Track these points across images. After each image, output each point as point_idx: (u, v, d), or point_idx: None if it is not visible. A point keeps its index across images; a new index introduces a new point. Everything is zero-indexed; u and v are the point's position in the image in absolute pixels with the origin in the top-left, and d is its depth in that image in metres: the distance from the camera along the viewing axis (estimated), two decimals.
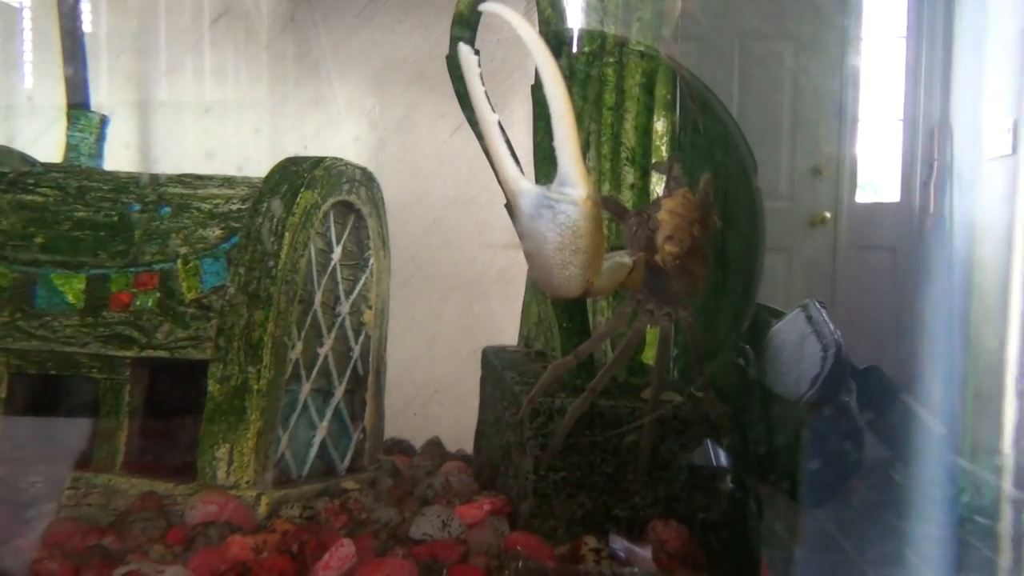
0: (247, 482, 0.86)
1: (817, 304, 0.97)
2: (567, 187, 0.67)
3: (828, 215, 2.00)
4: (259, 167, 2.01)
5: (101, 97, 1.54)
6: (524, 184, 0.70)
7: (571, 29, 1.09)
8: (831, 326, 0.91)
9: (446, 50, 2.07)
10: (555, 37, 1.07)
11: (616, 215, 0.85)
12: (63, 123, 1.19)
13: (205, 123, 1.91)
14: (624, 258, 0.75)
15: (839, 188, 2.02)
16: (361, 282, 1.12)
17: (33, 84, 1.64)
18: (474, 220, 1.91)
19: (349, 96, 1.96)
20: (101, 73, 1.63)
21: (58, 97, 1.44)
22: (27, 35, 1.57)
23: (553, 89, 0.67)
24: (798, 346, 0.97)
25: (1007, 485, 0.60)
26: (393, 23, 1.93)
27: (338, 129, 1.95)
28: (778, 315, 1.06)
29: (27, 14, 1.61)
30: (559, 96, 0.67)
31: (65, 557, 0.69)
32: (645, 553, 0.77)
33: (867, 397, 0.91)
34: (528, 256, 0.69)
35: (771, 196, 2.08)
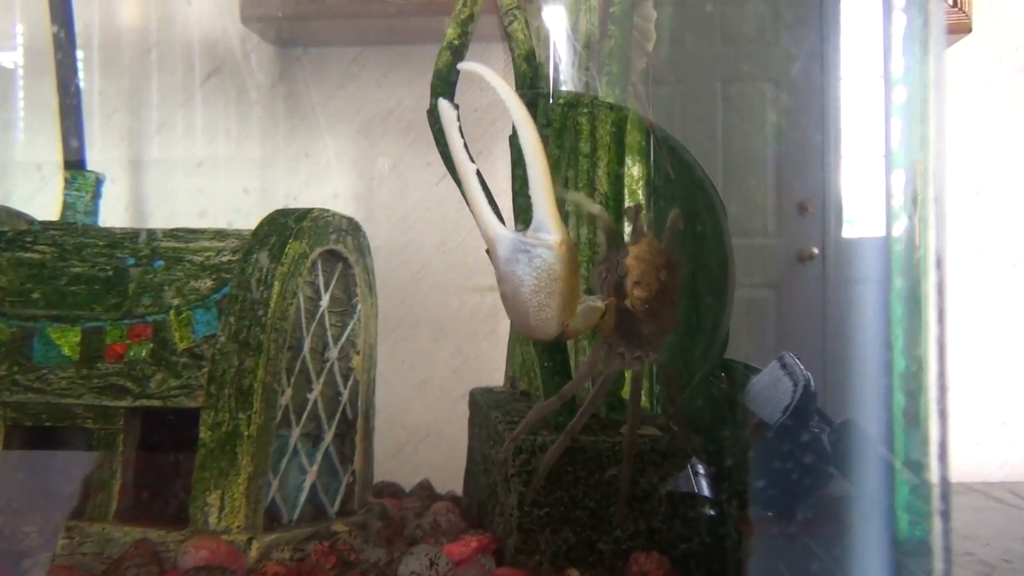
0: (238, 527, 0.88)
1: (791, 355, 1.04)
2: (542, 232, 0.71)
3: (816, 251, 2.04)
4: (249, 217, 2.06)
5: (94, 154, 1.59)
6: (501, 230, 0.74)
7: (546, 84, 1.15)
8: (801, 368, 0.96)
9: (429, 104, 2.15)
10: (531, 91, 1.12)
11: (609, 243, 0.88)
12: (59, 182, 1.23)
13: (196, 178, 1.97)
14: (597, 302, 0.79)
15: (825, 224, 2.07)
16: (349, 328, 1.15)
17: (28, 144, 1.69)
18: (462, 265, 1.96)
19: (338, 148, 2.03)
20: (94, 130, 1.69)
21: (51, 156, 1.49)
22: (21, 95, 1.63)
23: (527, 140, 0.71)
24: (773, 387, 1.02)
25: (935, 500, 0.63)
26: (379, 78, 2.01)
27: (327, 179, 2.01)
28: (756, 371, 1.12)
29: (21, 73, 1.67)
30: (532, 146, 0.72)
31: None
32: None
33: (843, 450, 0.96)
34: (505, 299, 0.73)
35: (759, 234, 2.12)
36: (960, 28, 2.00)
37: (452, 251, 1.97)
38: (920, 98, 0.78)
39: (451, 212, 1.94)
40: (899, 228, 0.78)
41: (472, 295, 1.97)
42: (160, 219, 1.86)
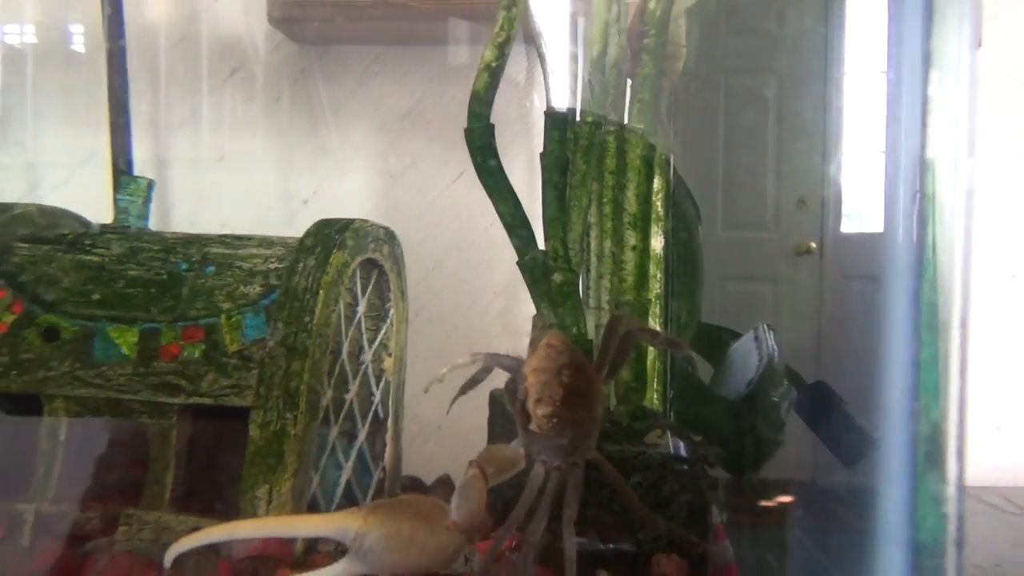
0: None
1: (764, 327, 1.11)
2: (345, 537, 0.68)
3: (814, 245, 2.08)
4: (271, 212, 2.10)
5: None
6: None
7: (574, 103, 1.21)
8: (769, 343, 1.04)
9: (449, 103, 2.20)
10: (558, 112, 1.18)
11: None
12: (107, 185, 1.29)
13: (219, 172, 2.01)
14: (516, 451, 0.80)
15: (824, 218, 2.10)
16: (382, 332, 1.21)
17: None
18: (475, 263, 2.02)
19: (357, 145, 2.07)
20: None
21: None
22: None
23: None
24: (744, 360, 1.10)
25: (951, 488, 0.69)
26: (399, 77, 2.05)
27: (345, 176, 2.05)
28: (737, 336, 1.20)
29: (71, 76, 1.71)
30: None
31: None
32: None
33: (813, 406, 1.05)
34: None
35: (758, 227, 2.17)
36: None
37: (466, 249, 2.03)
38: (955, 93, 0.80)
39: (465, 211, 2.00)
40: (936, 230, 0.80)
41: (485, 293, 2.03)
42: (182, 214, 1.92)
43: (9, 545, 0.89)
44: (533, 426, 0.78)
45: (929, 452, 0.76)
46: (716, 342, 1.22)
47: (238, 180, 1.98)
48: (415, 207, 2.04)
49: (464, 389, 0.96)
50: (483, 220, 2.00)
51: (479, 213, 2.00)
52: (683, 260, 1.16)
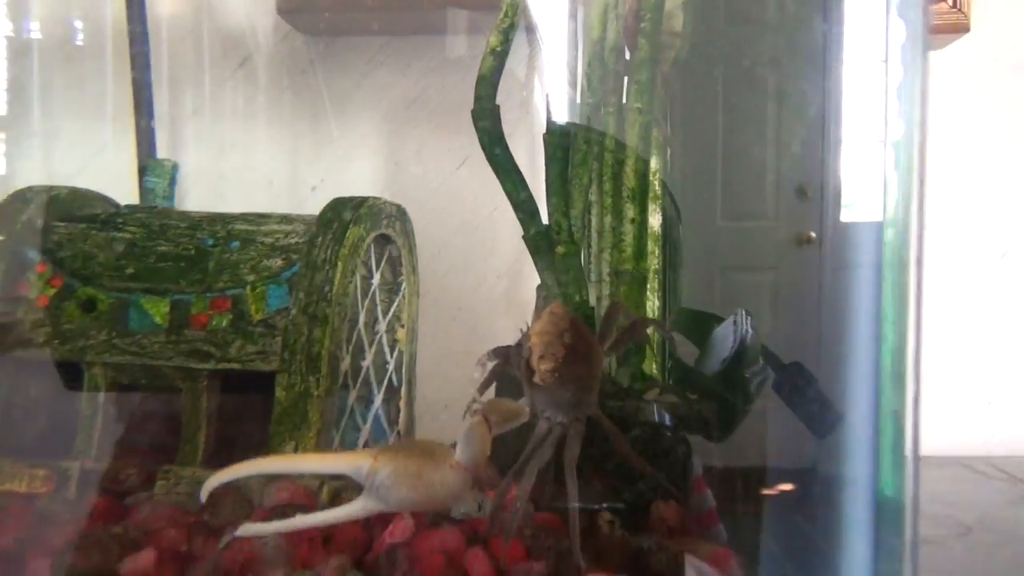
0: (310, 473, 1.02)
1: (744, 312, 1.19)
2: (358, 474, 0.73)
3: (813, 235, 2.12)
4: (280, 199, 2.17)
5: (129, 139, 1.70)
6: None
7: (573, 88, 1.27)
8: (744, 327, 1.12)
9: (452, 92, 2.26)
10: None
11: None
12: (132, 168, 1.35)
13: (229, 161, 2.08)
14: (520, 405, 0.85)
15: (824, 208, 2.14)
16: (395, 304, 1.28)
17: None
18: (479, 246, 2.08)
19: (363, 133, 2.14)
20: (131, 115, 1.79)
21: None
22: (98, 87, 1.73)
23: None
24: (723, 341, 1.18)
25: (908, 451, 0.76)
26: (403, 67, 2.11)
27: (351, 164, 2.12)
28: (720, 320, 1.29)
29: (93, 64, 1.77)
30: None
31: (177, 528, 0.85)
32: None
33: (790, 385, 1.13)
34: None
35: (757, 217, 2.21)
36: (958, 28, 2.07)
37: (470, 233, 2.09)
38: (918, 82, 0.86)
39: (470, 196, 2.06)
40: (893, 214, 0.87)
41: (489, 276, 2.09)
42: (193, 202, 1.98)
43: (58, 498, 0.96)
44: (537, 379, 0.84)
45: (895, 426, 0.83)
46: (702, 326, 1.29)
47: (247, 169, 2.04)
48: (420, 193, 2.10)
49: (481, 390, 1.03)
50: (487, 205, 2.07)
51: (483, 198, 2.07)
52: (662, 253, 1.23)
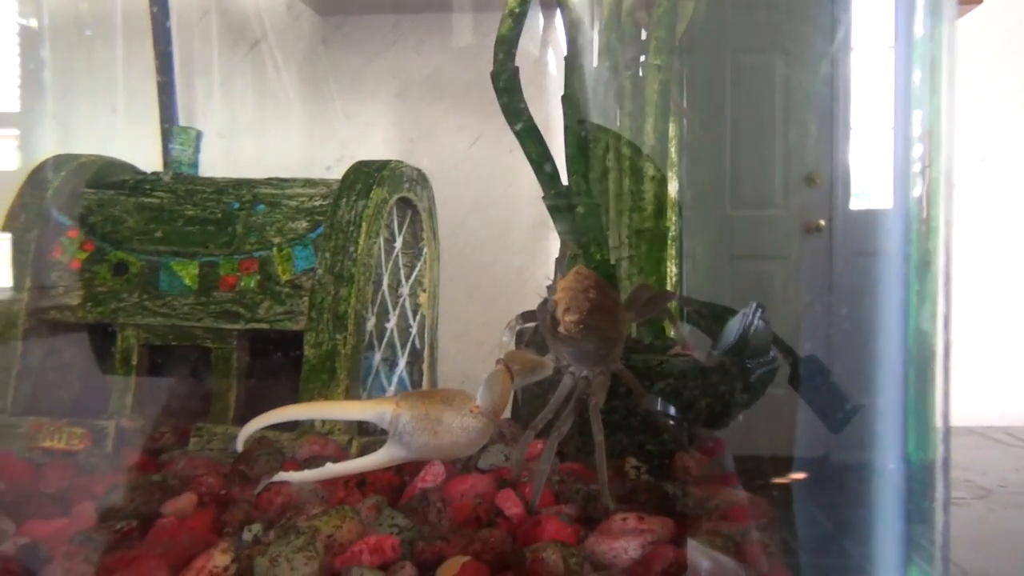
0: (339, 429, 1.04)
1: (754, 305, 1.21)
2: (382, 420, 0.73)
3: (823, 223, 2.11)
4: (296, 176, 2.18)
5: (150, 119, 1.72)
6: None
7: (590, 50, 1.28)
8: (751, 319, 1.13)
9: (465, 69, 2.26)
10: (574, 55, 1.25)
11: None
12: (156, 137, 1.37)
13: (245, 140, 2.09)
14: (542, 358, 0.86)
15: (833, 196, 2.13)
16: (417, 268, 1.30)
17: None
18: (494, 223, 2.09)
19: (377, 111, 2.15)
20: (151, 96, 1.81)
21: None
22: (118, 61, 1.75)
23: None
24: (732, 332, 1.20)
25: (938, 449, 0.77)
26: (416, 44, 2.11)
27: (367, 141, 2.13)
28: (734, 314, 1.30)
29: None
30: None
31: (215, 476, 0.87)
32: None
33: (804, 377, 1.15)
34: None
35: (766, 205, 2.20)
36: (970, 0, 2.08)
37: (485, 210, 2.10)
38: (934, 67, 0.87)
39: (485, 172, 2.07)
40: (913, 198, 0.87)
41: (504, 252, 2.10)
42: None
43: (96, 452, 0.98)
44: (561, 329, 0.85)
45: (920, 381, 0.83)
46: (719, 319, 1.30)
47: (263, 148, 2.06)
48: (435, 170, 2.11)
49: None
50: (501, 181, 2.08)
51: (498, 174, 2.08)
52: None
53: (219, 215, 1.13)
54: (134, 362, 1.07)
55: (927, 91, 0.87)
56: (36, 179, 1.12)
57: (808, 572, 0.84)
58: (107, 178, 1.18)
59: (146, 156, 1.40)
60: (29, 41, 1.76)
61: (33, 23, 1.65)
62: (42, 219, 1.10)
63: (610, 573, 0.71)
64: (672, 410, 1.07)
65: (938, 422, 0.81)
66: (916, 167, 0.83)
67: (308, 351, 1.06)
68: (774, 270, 2.05)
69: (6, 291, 1.10)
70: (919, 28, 0.86)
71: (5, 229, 1.11)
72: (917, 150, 0.86)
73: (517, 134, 1.21)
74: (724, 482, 1.04)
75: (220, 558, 0.66)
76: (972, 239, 2.34)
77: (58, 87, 1.76)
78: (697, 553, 0.73)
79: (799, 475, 1.06)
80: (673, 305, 1.23)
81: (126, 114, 1.66)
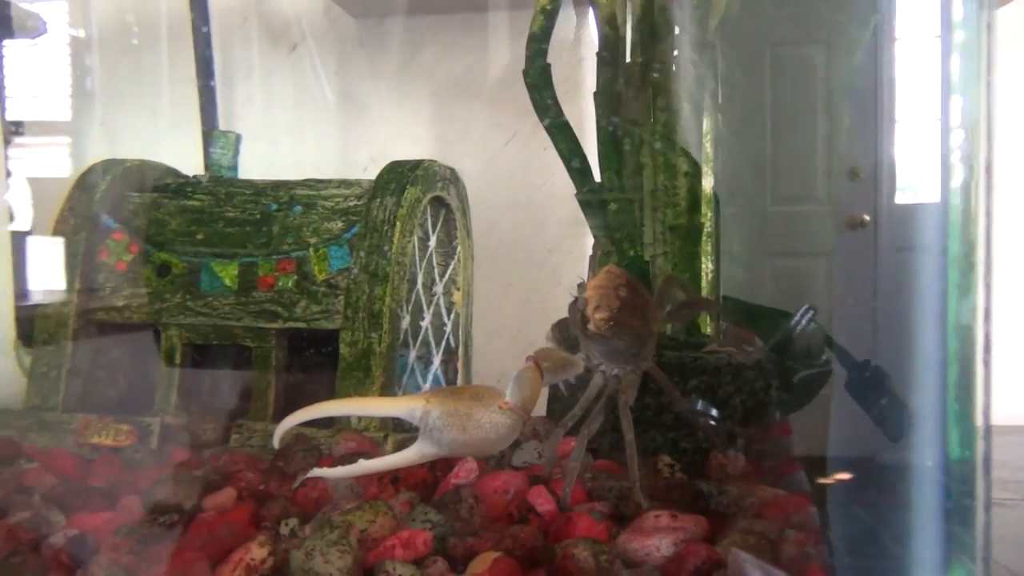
0: (375, 426, 1.05)
1: (807, 307, 1.18)
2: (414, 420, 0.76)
3: (867, 218, 2.05)
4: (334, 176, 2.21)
5: (190, 123, 1.76)
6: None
7: (623, 45, 1.27)
8: (807, 319, 1.11)
9: (499, 68, 2.26)
10: (607, 52, 1.24)
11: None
12: (198, 141, 1.41)
13: (282, 144, 2.13)
14: (572, 356, 0.86)
15: (877, 191, 2.07)
16: (451, 267, 1.31)
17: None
18: (529, 221, 2.09)
19: (413, 112, 2.16)
20: (192, 101, 1.85)
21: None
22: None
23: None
24: (780, 332, 1.17)
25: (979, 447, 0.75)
26: (450, 45, 2.12)
27: (402, 142, 2.15)
28: (788, 316, 1.28)
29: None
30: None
31: (254, 472, 0.89)
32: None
33: (863, 384, 1.12)
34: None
35: (808, 200, 2.16)
36: None
37: (520, 208, 2.10)
38: (977, 58, 0.84)
39: (519, 171, 2.07)
40: (952, 189, 0.84)
41: (538, 250, 2.10)
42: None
43: (141, 448, 1.02)
44: (591, 327, 0.85)
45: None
46: (774, 323, 1.27)
47: (301, 151, 2.09)
48: (470, 170, 2.12)
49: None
50: (535, 180, 2.08)
51: (532, 173, 2.08)
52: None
53: (257, 216, 1.15)
54: (177, 361, 1.10)
55: (969, 79, 0.85)
56: (84, 184, 1.16)
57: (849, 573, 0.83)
58: (151, 182, 1.21)
59: (188, 159, 1.44)
60: (78, 51, 1.82)
61: (81, 33, 1.71)
62: (90, 222, 1.14)
63: (642, 571, 0.71)
64: (712, 409, 1.06)
65: (979, 419, 0.79)
66: (955, 156, 0.81)
67: (344, 349, 1.07)
68: (814, 267, 2.01)
69: (57, 293, 1.14)
70: (957, 13, 0.84)
71: (56, 233, 1.15)
72: (956, 138, 0.83)
73: (548, 130, 1.21)
74: (789, 468, 1.03)
75: (257, 551, 0.68)
76: (1016, 231, 2.27)
77: (105, 94, 1.82)
78: (750, 566, 0.72)
79: (844, 475, 1.05)
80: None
81: (169, 119, 1.71)
